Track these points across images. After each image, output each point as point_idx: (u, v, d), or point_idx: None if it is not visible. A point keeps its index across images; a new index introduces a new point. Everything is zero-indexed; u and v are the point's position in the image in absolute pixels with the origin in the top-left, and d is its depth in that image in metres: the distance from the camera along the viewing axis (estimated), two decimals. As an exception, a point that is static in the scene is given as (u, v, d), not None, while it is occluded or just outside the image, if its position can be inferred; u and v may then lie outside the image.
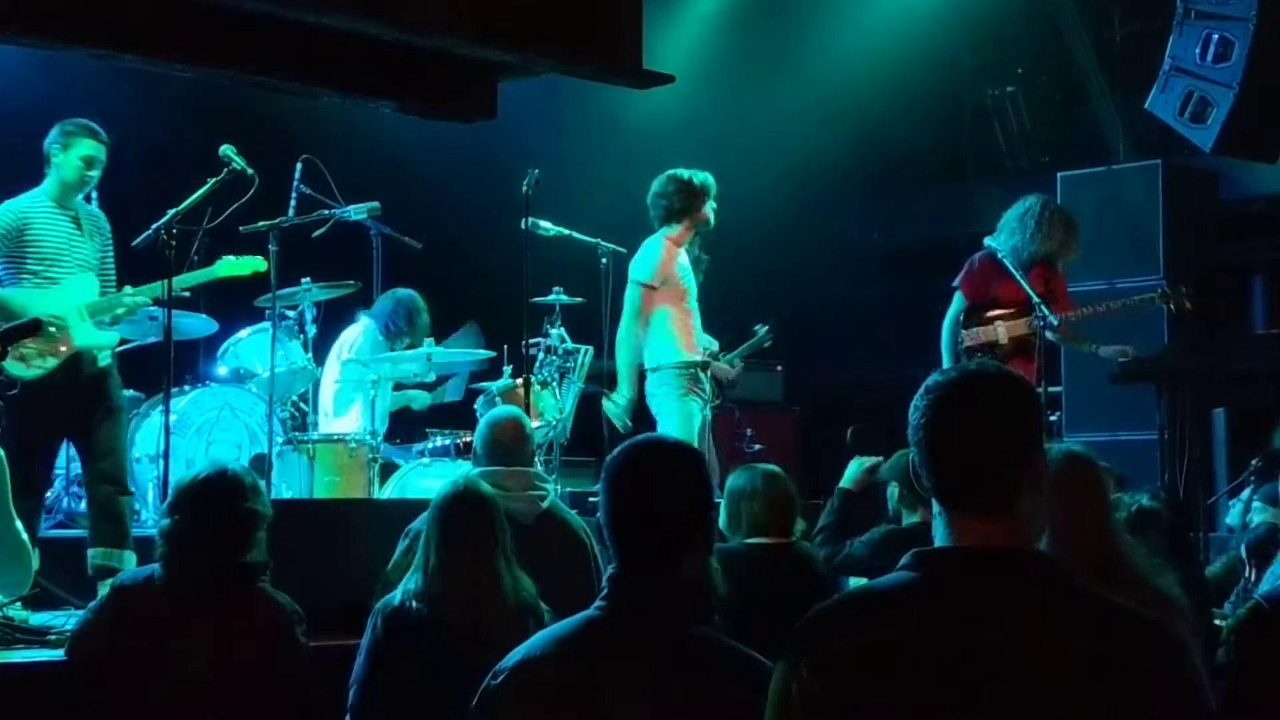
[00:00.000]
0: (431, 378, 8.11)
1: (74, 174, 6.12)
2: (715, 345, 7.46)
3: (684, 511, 2.66)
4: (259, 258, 6.88)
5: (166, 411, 6.26)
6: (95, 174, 6.17)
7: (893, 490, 5.82)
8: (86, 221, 6.22)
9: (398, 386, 8.26)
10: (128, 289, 6.26)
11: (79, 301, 6.10)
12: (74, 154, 6.10)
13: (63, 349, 6.04)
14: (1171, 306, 7.53)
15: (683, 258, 7.42)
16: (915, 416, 2.11)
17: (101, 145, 6.14)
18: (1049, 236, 7.29)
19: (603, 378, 7.64)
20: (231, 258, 6.77)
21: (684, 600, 2.62)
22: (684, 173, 7.27)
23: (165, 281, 6.11)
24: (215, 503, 4.04)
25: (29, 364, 5.98)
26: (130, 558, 5.91)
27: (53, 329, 5.96)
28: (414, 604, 4.04)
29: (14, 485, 5.69)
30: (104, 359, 6.20)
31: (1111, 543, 3.35)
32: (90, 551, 6.00)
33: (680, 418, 7.10)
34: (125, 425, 6.40)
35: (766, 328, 8.21)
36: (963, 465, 2.08)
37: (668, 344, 7.21)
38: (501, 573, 4.07)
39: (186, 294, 6.63)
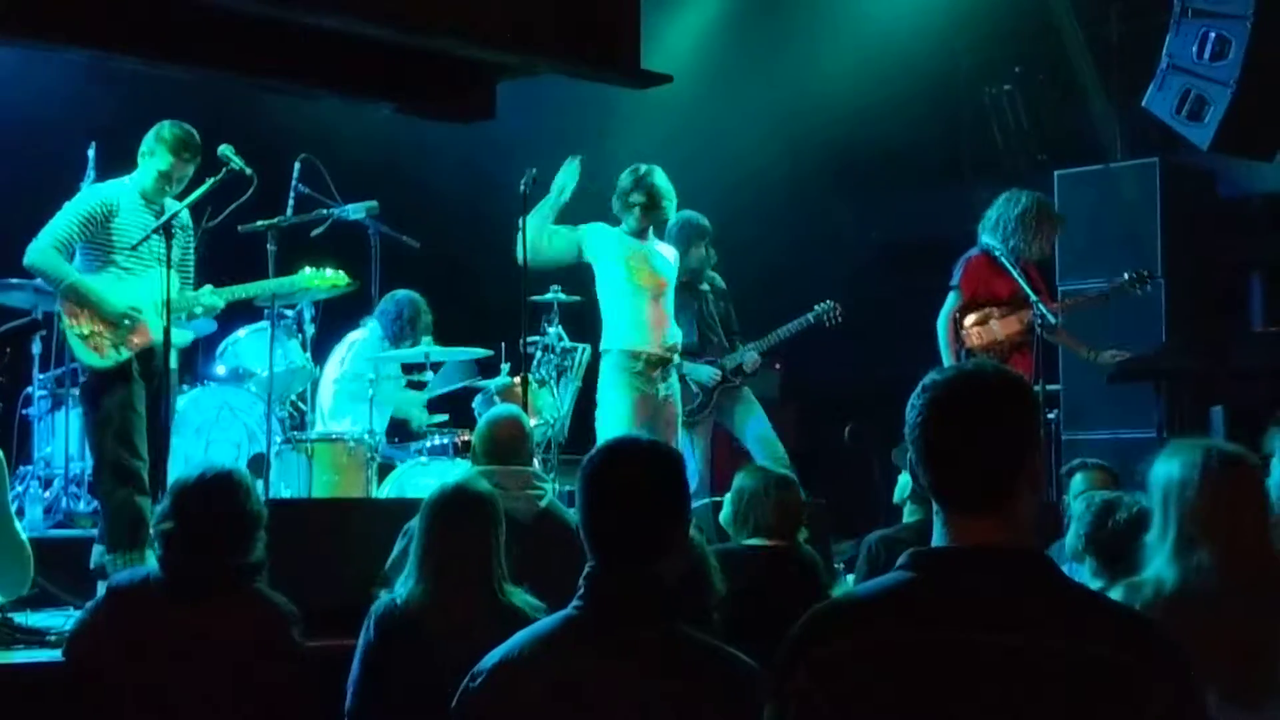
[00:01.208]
0: (428, 376, 8.13)
1: (151, 183, 6.21)
2: (679, 340, 7.41)
3: (658, 512, 2.66)
4: (341, 273, 6.94)
5: (165, 411, 6.25)
6: (173, 190, 6.24)
7: (904, 480, 5.78)
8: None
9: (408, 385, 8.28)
10: (207, 288, 6.33)
11: (157, 296, 6.13)
12: (153, 165, 6.19)
13: (137, 341, 6.11)
14: (1139, 290, 7.55)
15: (662, 249, 7.37)
16: (912, 415, 2.11)
17: (184, 163, 6.17)
18: (1049, 236, 7.36)
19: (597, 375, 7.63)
20: (311, 270, 6.80)
21: (662, 598, 2.62)
22: (641, 167, 7.27)
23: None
24: (215, 504, 4.02)
25: (104, 354, 6.06)
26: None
27: (128, 321, 6.08)
28: (405, 605, 4.03)
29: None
30: (173, 360, 6.25)
31: (1273, 548, 3.20)
32: (96, 549, 5.99)
33: (608, 409, 7.10)
34: (170, 433, 6.36)
35: (832, 303, 7.93)
36: (960, 464, 2.08)
37: (616, 331, 7.19)
38: (489, 574, 4.02)
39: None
